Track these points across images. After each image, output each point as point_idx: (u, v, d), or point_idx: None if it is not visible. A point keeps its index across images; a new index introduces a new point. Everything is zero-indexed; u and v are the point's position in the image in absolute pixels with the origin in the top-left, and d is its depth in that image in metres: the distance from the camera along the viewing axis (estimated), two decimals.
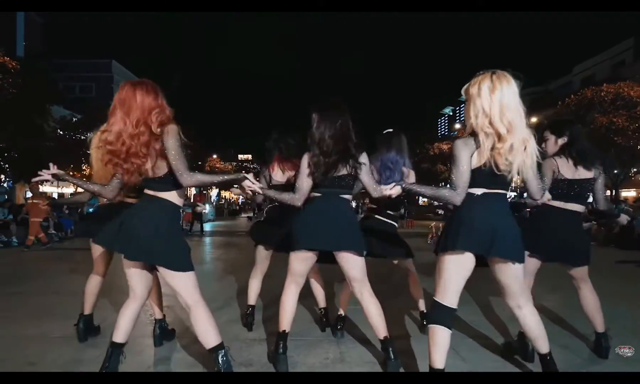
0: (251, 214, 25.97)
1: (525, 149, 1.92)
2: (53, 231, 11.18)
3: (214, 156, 38.05)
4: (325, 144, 2.33)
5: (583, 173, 2.59)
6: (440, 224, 11.28)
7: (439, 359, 2.00)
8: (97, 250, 2.87)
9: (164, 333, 2.90)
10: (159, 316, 2.91)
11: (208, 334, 2.08)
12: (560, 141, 2.64)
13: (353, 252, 2.37)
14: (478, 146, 1.93)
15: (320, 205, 2.38)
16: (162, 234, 2.00)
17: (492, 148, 1.90)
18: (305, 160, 2.37)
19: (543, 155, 2.47)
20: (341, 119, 2.37)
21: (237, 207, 33.74)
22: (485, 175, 1.95)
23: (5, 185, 13.98)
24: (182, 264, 2.05)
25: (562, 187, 2.58)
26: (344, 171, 2.35)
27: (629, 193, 22.15)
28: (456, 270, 2.01)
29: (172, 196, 2.08)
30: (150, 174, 2.04)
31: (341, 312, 3.17)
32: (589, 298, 2.70)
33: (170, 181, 2.02)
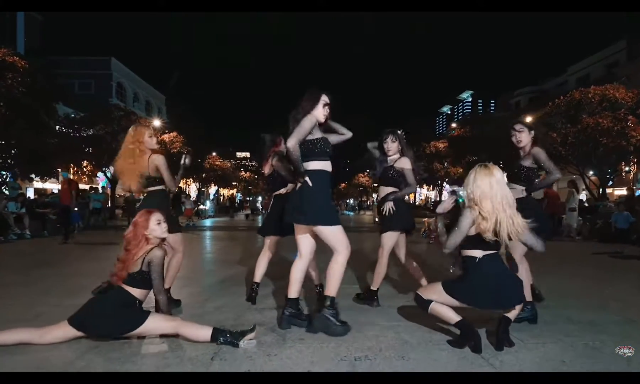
0: (249, 212, 26.66)
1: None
2: None
3: (214, 154, 38.37)
4: None
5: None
6: (432, 220, 11.88)
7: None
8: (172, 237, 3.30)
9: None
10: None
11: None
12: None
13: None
14: None
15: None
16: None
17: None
18: None
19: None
20: None
21: (236, 204, 34.23)
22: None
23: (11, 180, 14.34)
24: None
25: None
26: None
27: (622, 191, 22.55)
28: None
29: None
30: None
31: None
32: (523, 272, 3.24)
33: None
